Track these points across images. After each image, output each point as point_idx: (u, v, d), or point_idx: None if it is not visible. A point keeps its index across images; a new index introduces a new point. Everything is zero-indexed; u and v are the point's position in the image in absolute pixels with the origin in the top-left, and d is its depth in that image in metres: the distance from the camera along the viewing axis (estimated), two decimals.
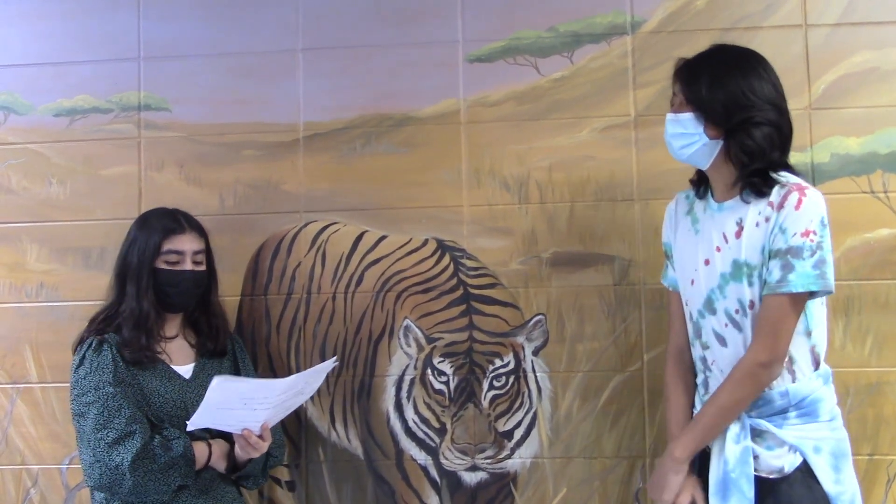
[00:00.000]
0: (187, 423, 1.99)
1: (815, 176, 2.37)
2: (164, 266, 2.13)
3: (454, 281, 2.46)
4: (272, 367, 2.50)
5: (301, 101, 2.54)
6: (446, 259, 2.48)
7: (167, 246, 2.14)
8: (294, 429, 2.49)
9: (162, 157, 2.56)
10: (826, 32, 2.42)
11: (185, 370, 2.17)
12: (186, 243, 2.17)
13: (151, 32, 2.58)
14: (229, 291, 2.49)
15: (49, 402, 2.53)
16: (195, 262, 2.18)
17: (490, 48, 2.50)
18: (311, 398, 2.47)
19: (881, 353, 2.35)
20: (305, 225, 2.52)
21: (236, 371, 2.27)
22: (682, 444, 1.94)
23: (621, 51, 2.47)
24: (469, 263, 2.47)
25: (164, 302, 2.15)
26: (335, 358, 2.18)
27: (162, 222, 2.17)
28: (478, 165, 2.48)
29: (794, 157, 2.33)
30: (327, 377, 2.46)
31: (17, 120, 2.59)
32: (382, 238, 2.50)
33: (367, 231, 2.51)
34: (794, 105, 2.37)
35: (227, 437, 2.14)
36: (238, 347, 2.32)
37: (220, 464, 2.12)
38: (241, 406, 1.98)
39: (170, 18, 2.58)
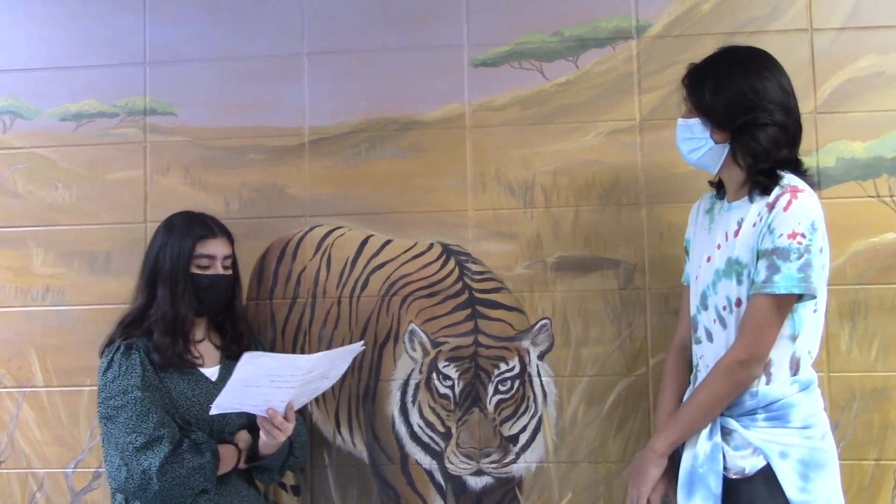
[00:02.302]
0: (212, 405, 1.98)
1: (820, 180, 2.37)
2: (196, 270, 2.16)
3: (459, 285, 2.46)
4: None
5: (306, 105, 2.54)
6: (451, 263, 2.48)
7: (199, 250, 2.16)
8: None
9: (167, 162, 2.56)
10: (831, 36, 2.41)
11: (212, 373, 2.18)
12: (218, 248, 2.20)
13: (157, 37, 2.59)
14: None
15: (55, 406, 2.54)
16: (224, 267, 2.21)
17: (495, 52, 2.50)
18: (317, 401, 2.48)
19: (887, 357, 2.35)
20: (311, 229, 2.53)
21: None
22: (662, 438, 1.96)
23: (626, 55, 2.47)
24: (474, 268, 2.47)
25: (194, 306, 2.16)
26: (362, 342, 2.17)
27: (193, 227, 2.19)
28: (483, 170, 2.48)
29: None
30: None
31: (22, 124, 2.60)
32: (387, 242, 2.50)
33: (372, 235, 2.51)
34: (800, 109, 2.37)
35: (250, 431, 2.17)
36: (261, 349, 2.31)
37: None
38: (267, 384, 1.98)
39: (175, 23, 2.58)
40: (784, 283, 1.84)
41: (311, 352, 2.49)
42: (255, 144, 2.55)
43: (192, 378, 2.14)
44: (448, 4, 2.52)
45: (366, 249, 2.51)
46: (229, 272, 2.23)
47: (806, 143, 2.36)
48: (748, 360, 1.87)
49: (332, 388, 2.47)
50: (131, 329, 2.14)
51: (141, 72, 2.59)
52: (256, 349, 2.28)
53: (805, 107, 2.37)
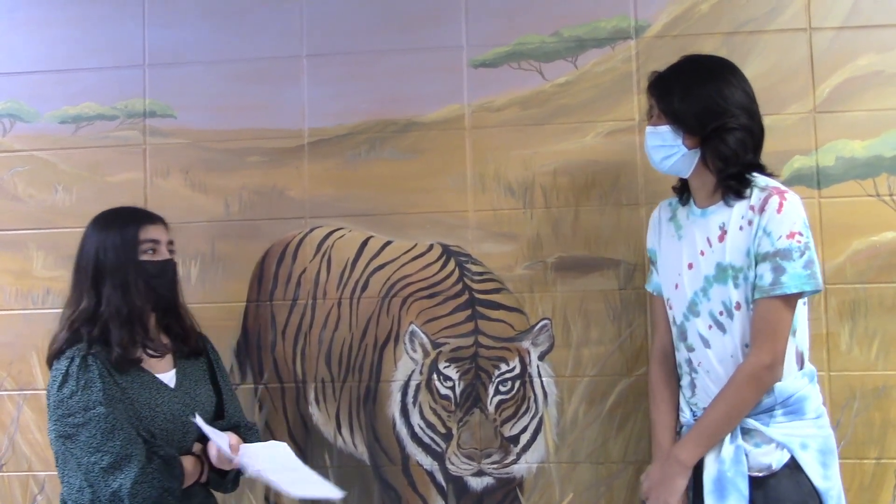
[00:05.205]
0: (196, 418, 1.96)
1: (820, 179, 2.37)
2: (144, 257, 2.04)
3: (459, 286, 2.46)
4: (278, 374, 2.50)
5: (306, 107, 2.54)
6: (451, 264, 2.48)
7: (143, 236, 2.05)
8: (300, 434, 2.49)
9: (167, 164, 2.57)
10: (830, 36, 2.41)
11: (168, 378, 2.08)
12: (160, 232, 2.09)
13: (156, 39, 2.59)
14: (235, 298, 2.51)
15: None
16: (170, 251, 2.10)
17: (494, 53, 2.50)
18: (318, 403, 2.48)
19: (888, 356, 2.35)
20: (310, 231, 2.53)
21: (212, 372, 2.19)
22: (688, 449, 1.97)
23: (625, 55, 2.47)
24: (474, 268, 2.47)
25: (150, 296, 2.05)
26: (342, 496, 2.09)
27: (129, 216, 2.09)
28: (482, 170, 2.48)
29: (799, 161, 2.37)
30: (333, 382, 2.48)
31: (22, 127, 2.60)
32: (387, 243, 2.50)
33: (372, 236, 2.51)
34: (799, 108, 2.39)
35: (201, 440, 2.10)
36: (210, 349, 2.23)
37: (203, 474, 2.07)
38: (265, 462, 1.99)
39: (175, 25, 2.58)
40: (793, 282, 1.86)
41: (311, 353, 2.49)
42: (255, 146, 2.55)
43: (152, 387, 2.02)
44: (447, 6, 2.52)
45: (366, 251, 2.51)
46: (174, 256, 2.12)
47: (805, 142, 2.38)
48: (772, 364, 1.89)
49: (333, 389, 2.48)
50: (82, 333, 1.99)
51: (140, 74, 2.59)
52: (205, 346, 2.21)
53: (804, 106, 2.39)
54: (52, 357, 2.01)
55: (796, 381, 1.94)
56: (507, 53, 2.50)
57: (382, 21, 2.54)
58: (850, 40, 2.41)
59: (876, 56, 2.40)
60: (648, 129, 2.06)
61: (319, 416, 2.50)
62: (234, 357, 2.51)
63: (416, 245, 2.50)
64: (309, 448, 2.50)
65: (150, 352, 2.05)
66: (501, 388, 2.43)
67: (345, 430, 2.49)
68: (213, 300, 2.51)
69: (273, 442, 2.10)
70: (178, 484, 1.95)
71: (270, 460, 2.01)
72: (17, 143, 2.60)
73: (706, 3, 2.45)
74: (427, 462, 2.45)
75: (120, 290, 2.00)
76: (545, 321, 2.44)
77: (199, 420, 1.97)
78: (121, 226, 2.06)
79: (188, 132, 2.56)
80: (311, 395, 2.49)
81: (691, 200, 2.08)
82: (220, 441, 1.98)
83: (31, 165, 2.59)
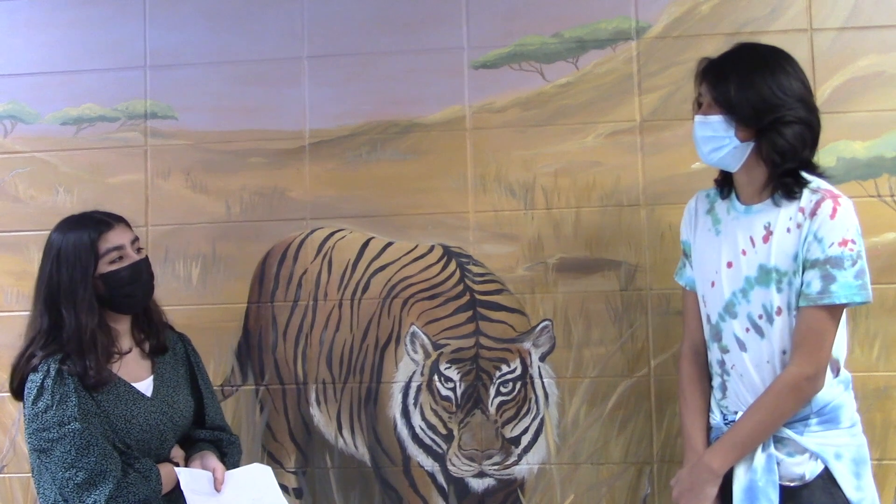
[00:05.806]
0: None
1: None
2: (111, 267, 1.94)
3: (460, 287, 2.47)
4: (279, 375, 2.50)
5: (307, 109, 2.54)
6: (452, 265, 2.48)
7: (105, 245, 1.94)
8: (301, 436, 2.49)
9: (168, 165, 2.57)
10: (831, 36, 2.41)
11: (146, 386, 2.01)
12: (122, 235, 1.98)
13: (158, 41, 2.59)
14: (236, 299, 2.51)
15: None
16: (137, 251, 2.00)
17: (495, 54, 2.50)
18: (319, 404, 2.48)
19: (889, 357, 2.35)
20: (312, 232, 2.53)
21: (192, 375, 2.13)
22: (720, 457, 1.89)
23: (626, 56, 2.47)
24: (475, 269, 2.47)
25: (126, 304, 1.98)
26: None
27: (86, 224, 1.96)
28: (483, 171, 2.48)
29: None
30: (334, 384, 2.48)
31: (23, 129, 2.60)
32: (389, 244, 2.51)
33: (373, 238, 2.51)
34: None
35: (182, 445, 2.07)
36: (191, 350, 2.16)
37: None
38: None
39: (176, 27, 2.58)
40: (843, 292, 1.80)
41: (312, 354, 2.49)
42: (256, 147, 2.55)
43: (128, 398, 1.95)
44: (448, 7, 2.52)
45: (367, 252, 2.51)
46: (145, 254, 2.02)
47: None
48: (815, 375, 1.82)
49: (334, 390, 2.48)
50: (50, 353, 1.91)
51: (141, 75, 2.59)
52: (185, 349, 2.14)
53: None
54: (26, 371, 1.93)
55: (832, 389, 1.87)
56: (507, 54, 2.50)
57: (383, 23, 2.54)
58: (851, 41, 2.40)
59: (877, 57, 2.40)
60: (697, 118, 1.93)
61: (321, 418, 2.51)
62: (236, 358, 2.52)
63: (417, 246, 2.50)
64: (310, 449, 2.50)
65: (111, 372, 1.97)
66: (502, 390, 2.43)
67: (346, 432, 2.50)
68: (214, 301, 2.52)
69: (256, 465, 2.06)
70: (155, 495, 1.91)
71: (249, 489, 1.98)
72: (19, 144, 2.60)
73: (707, 3, 2.45)
74: (428, 463, 2.45)
75: (74, 311, 1.91)
76: (546, 322, 2.44)
77: (180, 473, 1.93)
78: (75, 241, 1.94)
79: (189, 133, 2.57)
80: (313, 397, 2.49)
81: (733, 195, 1.98)
82: (201, 484, 1.95)
83: (33, 167, 2.60)
